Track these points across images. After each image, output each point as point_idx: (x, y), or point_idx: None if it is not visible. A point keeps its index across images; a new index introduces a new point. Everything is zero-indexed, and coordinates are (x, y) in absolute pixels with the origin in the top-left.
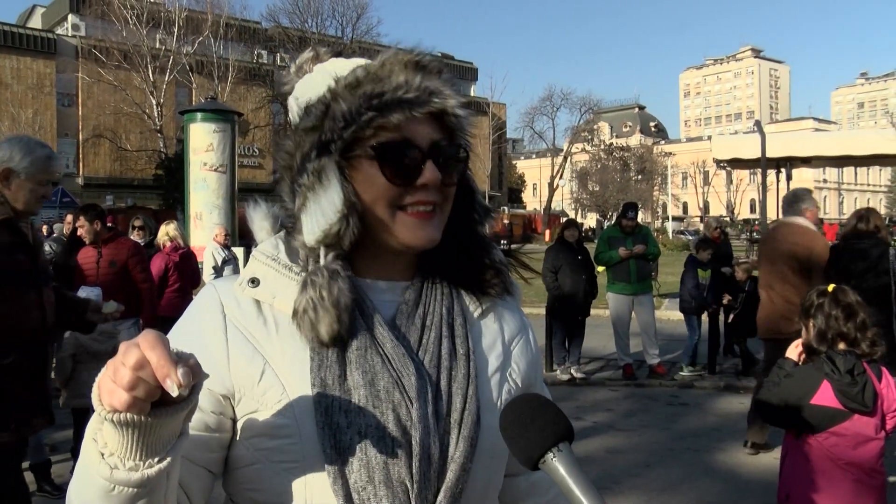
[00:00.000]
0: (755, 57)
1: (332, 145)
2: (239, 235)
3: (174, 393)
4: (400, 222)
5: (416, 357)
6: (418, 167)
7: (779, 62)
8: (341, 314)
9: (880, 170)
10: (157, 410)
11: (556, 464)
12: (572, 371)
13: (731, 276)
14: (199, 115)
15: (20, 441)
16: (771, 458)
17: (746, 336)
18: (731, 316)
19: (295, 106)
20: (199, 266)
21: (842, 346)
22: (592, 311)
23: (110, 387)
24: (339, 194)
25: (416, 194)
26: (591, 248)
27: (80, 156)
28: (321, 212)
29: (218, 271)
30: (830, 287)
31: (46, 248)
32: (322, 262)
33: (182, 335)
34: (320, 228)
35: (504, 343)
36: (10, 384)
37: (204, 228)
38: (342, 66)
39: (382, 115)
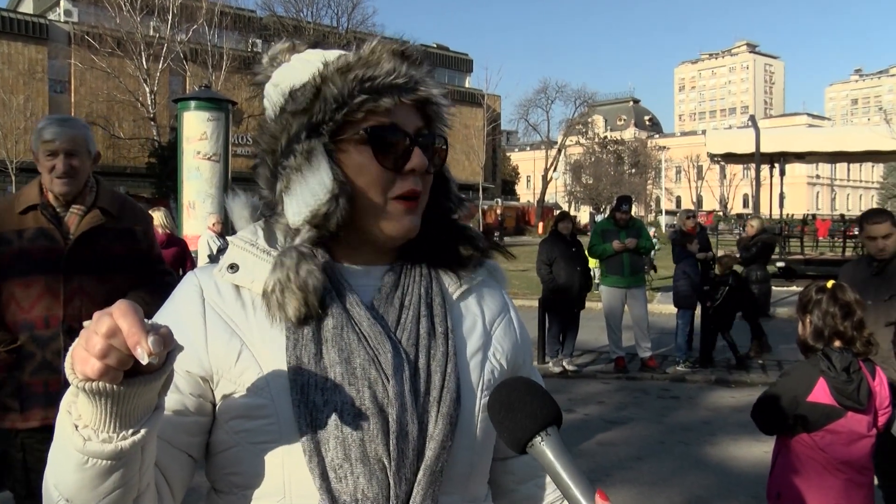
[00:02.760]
0: (750, 52)
1: (322, 127)
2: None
3: (144, 361)
4: (390, 210)
5: (393, 335)
6: (407, 152)
7: (773, 57)
8: (308, 296)
9: (873, 166)
10: (130, 380)
11: (544, 448)
12: (564, 364)
13: (709, 266)
14: (192, 103)
15: (46, 429)
16: (762, 452)
17: (726, 329)
18: (710, 308)
19: (275, 93)
20: (193, 255)
21: (837, 343)
22: (585, 304)
23: (83, 355)
24: (329, 175)
25: (406, 181)
26: (584, 241)
27: None
28: (310, 192)
29: (214, 260)
30: (829, 283)
31: None
32: (298, 240)
33: (163, 321)
34: (308, 208)
35: (485, 324)
36: (19, 372)
37: (197, 217)
38: (326, 54)
39: (374, 98)
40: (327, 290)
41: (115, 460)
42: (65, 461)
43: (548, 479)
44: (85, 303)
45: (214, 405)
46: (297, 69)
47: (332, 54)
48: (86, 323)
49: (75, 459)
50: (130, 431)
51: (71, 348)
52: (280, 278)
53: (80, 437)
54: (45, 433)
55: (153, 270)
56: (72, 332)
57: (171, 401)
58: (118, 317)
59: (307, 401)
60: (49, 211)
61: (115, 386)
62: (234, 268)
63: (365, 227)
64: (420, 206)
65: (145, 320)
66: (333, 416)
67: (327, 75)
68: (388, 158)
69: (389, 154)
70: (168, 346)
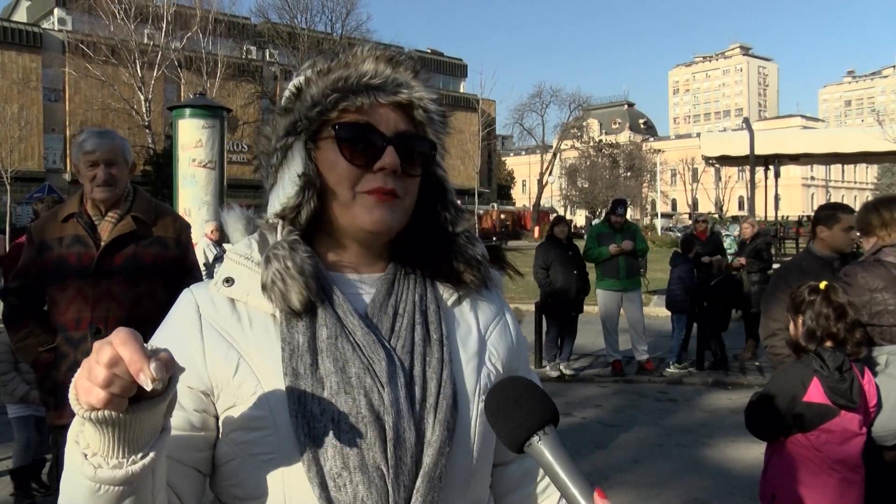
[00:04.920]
0: (744, 55)
1: (299, 125)
2: None
3: (148, 387)
4: (359, 203)
5: (387, 344)
6: (378, 151)
7: (767, 60)
8: (308, 280)
9: (867, 167)
10: (134, 406)
11: (542, 447)
12: (561, 367)
13: (714, 269)
14: (187, 110)
15: None
16: (759, 454)
17: (719, 330)
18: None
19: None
20: None
21: (829, 344)
22: (583, 308)
23: (86, 385)
24: (300, 169)
25: (376, 179)
26: (580, 244)
27: (68, 152)
28: (282, 187)
29: (210, 268)
30: (822, 284)
31: None
32: (279, 236)
33: (162, 339)
34: (279, 203)
35: (479, 329)
36: (55, 371)
37: (192, 225)
38: None
39: (346, 97)
40: (322, 281)
41: (126, 485)
42: (77, 490)
43: (545, 484)
44: (112, 306)
45: (217, 419)
46: (300, 78)
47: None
48: (95, 344)
49: (87, 487)
50: (139, 456)
51: (74, 379)
52: (278, 268)
53: (90, 465)
54: None
55: (186, 277)
56: (98, 334)
57: (176, 419)
58: (119, 345)
59: (304, 411)
60: (84, 219)
61: (119, 414)
62: (229, 281)
63: (339, 221)
64: (398, 205)
65: (146, 345)
66: (331, 426)
67: (310, 77)
68: (355, 155)
69: (357, 151)
70: (170, 371)
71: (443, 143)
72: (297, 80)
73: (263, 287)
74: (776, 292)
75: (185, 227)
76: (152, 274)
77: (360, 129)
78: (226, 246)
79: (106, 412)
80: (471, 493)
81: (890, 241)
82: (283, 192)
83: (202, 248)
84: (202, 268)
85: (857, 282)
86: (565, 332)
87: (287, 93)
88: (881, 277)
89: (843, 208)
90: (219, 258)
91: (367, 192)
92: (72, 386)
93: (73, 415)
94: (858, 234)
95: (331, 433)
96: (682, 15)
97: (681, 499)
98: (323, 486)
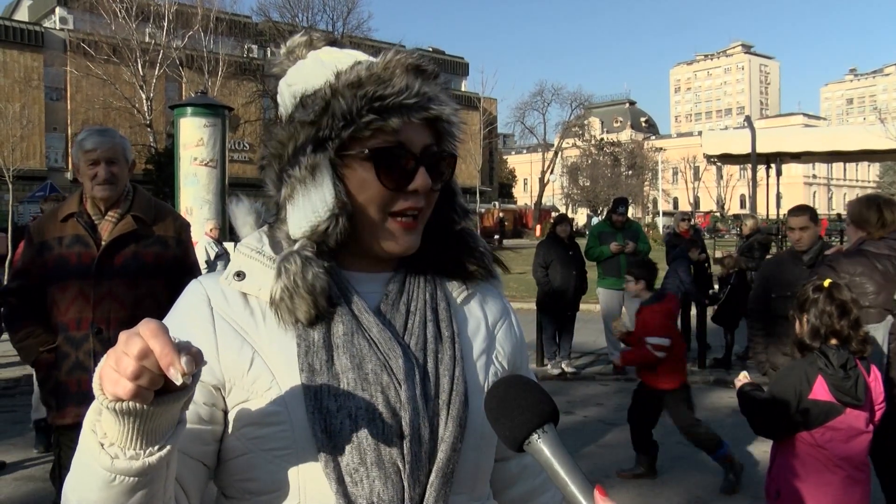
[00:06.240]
0: (745, 53)
1: (328, 143)
2: (229, 230)
3: (178, 381)
4: (389, 227)
5: (402, 341)
6: (411, 173)
7: (769, 58)
8: (317, 299)
9: (869, 165)
10: (158, 398)
11: (541, 445)
12: (563, 366)
13: (704, 268)
14: (189, 109)
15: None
16: (761, 452)
17: (732, 328)
18: (715, 308)
19: (287, 92)
20: None
21: (833, 342)
22: (583, 306)
23: (113, 376)
24: (331, 193)
25: (407, 200)
26: (581, 243)
27: (69, 150)
28: (311, 207)
29: (211, 266)
30: (826, 282)
31: None
32: (296, 247)
33: (170, 330)
34: (308, 224)
35: (488, 327)
36: (56, 371)
37: (194, 223)
38: (340, 59)
39: (383, 118)
40: (334, 293)
41: (142, 477)
42: (90, 479)
43: (543, 478)
44: (113, 306)
45: (226, 413)
46: (310, 72)
47: (347, 60)
48: (121, 335)
49: (102, 477)
50: (157, 447)
51: (99, 368)
52: (287, 285)
53: (106, 455)
54: (78, 431)
55: (187, 277)
56: (100, 333)
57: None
58: (149, 337)
59: (321, 407)
60: (84, 218)
61: (145, 406)
62: (240, 275)
63: (364, 241)
64: (421, 223)
65: (174, 339)
66: (347, 422)
67: (338, 88)
68: (390, 178)
69: (392, 174)
70: (200, 365)
71: (457, 151)
72: (324, 91)
73: (272, 301)
74: (760, 275)
75: (185, 226)
76: (153, 274)
77: (395, 152)
78: (228, 246)
79: (131, 403)
80: (477, 486)
81: (878, 235)
82: (314, 214)
83: (204, 246)
84: (204, 265)
85: (840, 267)
86: (563, 331)
87: (311, 102)
88: (862, 265)
89: (792, 210)
90: (220, 255)
91: (397, 218)
92: (96, 375)
93: (74, 415)
94: (848, 223)
95: (347, 429)
96: (683, 13)
97: (682, 497)
98: (340, 481)
